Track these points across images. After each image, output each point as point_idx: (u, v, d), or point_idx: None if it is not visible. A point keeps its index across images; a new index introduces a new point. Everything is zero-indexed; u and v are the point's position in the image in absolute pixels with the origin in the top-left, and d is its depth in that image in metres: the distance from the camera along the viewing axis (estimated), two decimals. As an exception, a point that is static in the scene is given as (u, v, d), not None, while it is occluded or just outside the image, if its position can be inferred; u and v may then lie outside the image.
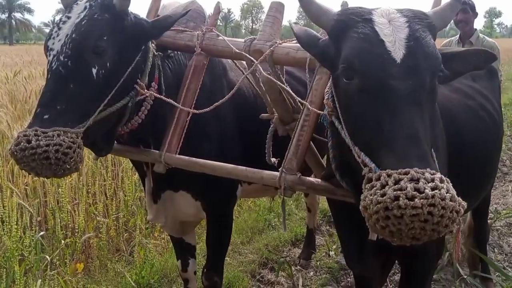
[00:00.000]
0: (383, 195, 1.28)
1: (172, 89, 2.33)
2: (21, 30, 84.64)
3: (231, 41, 2.32)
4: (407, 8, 1.64)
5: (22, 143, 1.79)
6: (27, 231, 3.65)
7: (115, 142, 2.47)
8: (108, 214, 4.21)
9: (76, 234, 3.87)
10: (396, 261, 2.49)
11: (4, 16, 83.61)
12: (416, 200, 1.24)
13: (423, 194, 1.24)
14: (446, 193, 1.26)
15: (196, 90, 2.36)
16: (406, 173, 1.29)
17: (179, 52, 2.49)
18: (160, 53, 2.30)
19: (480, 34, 4.81)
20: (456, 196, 1.28)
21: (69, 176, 4.22)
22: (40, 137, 1.78)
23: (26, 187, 4.22)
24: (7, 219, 3.54)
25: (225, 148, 2.49)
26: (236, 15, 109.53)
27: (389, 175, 1.31)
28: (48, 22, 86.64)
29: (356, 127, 1.57)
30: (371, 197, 1.31)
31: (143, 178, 2.67)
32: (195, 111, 2.25)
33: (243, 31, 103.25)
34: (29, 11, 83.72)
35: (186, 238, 2.93)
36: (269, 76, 2.05)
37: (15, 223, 3.51)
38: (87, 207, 4.06)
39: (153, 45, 2.28)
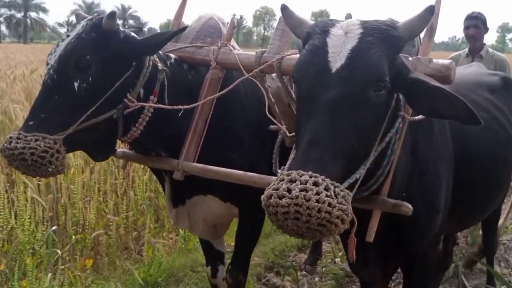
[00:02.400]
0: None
1: (185, 100, 2.36)
2: (35, 29, 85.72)
3: (244, 54, 2.41)
4: (377, 20, 1.65)
5: (5, 144, 2.01)
6: (39, 225, 3.72)
7: (133, 151, 2.57)
8: (118, 212, 4.27)
9: (86, 230, 3.93)
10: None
11: (19, 15, 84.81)
12: (283, 199, 1.36)
13: (290, 195, 1.35)
14: (315, 195, 1.34)
15: (213, 102, 2.42)
16: (288, 175, 1.40)
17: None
18: (165, 68, 2.34)
19: (489, 49, 4.80)
20: (325, 198, 1.34)
21: (81, 174, 4.34)
22: (20, 140, 1.98)
23: (39, 182, 4.28)
24: (20, 212, 3.62)
25: (252, 156, 2.53)
26: (249, 21, 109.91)
27: (280, 176, 1.43)
28: (62, 22, 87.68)
29: (295, 134, 1.68)
30: (263, 195, 1.44)
31: (163, 184, 2.74)
32: (181, 107, 2.27)
33: (255, 37, 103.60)
34: (44, 10, 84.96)
35: (216, 245, 2.98)
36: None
37: (28, 217, 3.59)
38: (98, 205, 4.12)
39: (157, 59, 2.32)
